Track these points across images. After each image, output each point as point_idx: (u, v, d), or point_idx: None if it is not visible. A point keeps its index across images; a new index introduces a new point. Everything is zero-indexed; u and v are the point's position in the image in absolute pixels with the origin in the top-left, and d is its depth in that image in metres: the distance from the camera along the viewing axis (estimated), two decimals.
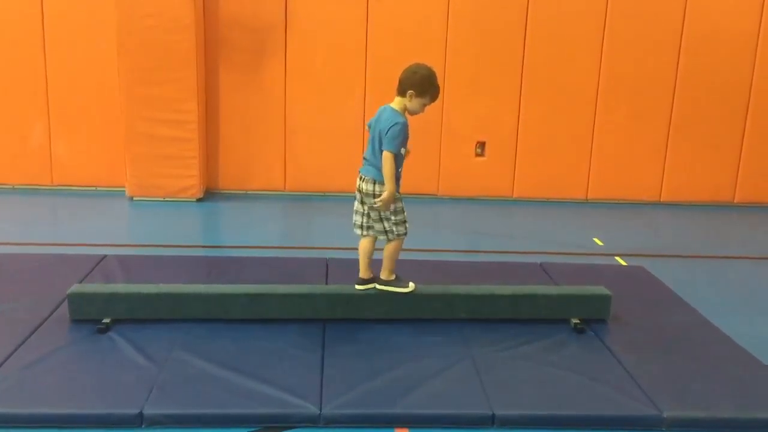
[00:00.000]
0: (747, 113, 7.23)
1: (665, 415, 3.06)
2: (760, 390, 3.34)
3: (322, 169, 7.14)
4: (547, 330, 3.86)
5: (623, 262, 5.37)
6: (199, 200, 6.77)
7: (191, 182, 6.69)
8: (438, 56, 6.91)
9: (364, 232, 3.80)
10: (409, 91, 3.60)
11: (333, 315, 3.85)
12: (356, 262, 4.80)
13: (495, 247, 5.76)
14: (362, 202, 3.74)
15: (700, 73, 7.08)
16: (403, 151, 3.62)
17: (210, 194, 7.03)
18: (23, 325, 3.63)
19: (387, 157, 3.54)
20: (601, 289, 4.06)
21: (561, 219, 6.81)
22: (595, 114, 7.14)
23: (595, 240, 6.02)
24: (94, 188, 7.02)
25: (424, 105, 3.67)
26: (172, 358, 3.36)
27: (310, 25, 6.84)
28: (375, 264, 3.88)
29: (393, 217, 3.68)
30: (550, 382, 3.33)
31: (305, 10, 6.80)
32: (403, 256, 5.19)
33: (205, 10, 6.69)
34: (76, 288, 3.78)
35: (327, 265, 4.75)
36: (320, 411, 2.98)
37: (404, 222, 3.73)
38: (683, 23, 6.98)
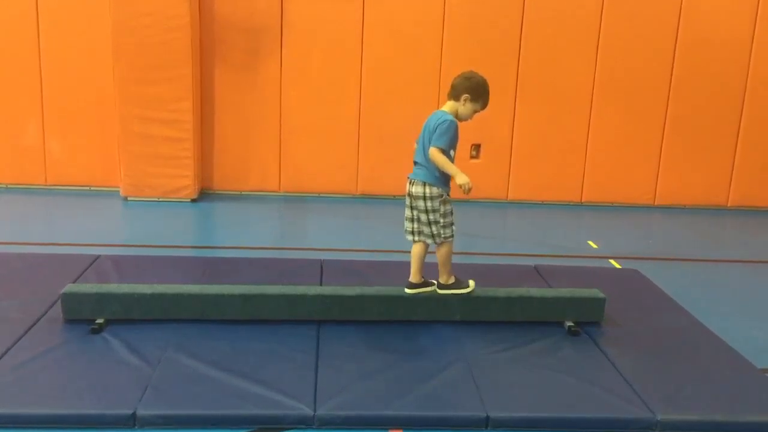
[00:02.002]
0: (741, 117, 7.26)
1: (659, 417, 3.07)
2: (752, 393, 3.35)
3: (317, 170, 7.13)
4: (542, 332, 3.87)
5: (617, 265, 5.38)
6: (193, 201, 6.75)
7: (186, 182, 6.68)
8: (433, 58, 6.93)
9: (416, 238, 3.79)
10: (464, 95, 3.65)
11: (327, 316, 3.85)
12: (350, 263, 4.83)
13: (489, 249, 5.76)
14: (412, 207, 3.74)
15: (694, 77, 7.11)
16: (452, 152, 3.64)
17: (205, 195, 7.02)
18: (16, 325, 3.61)
19: (435, 152, 3.56)
20: (595, 292, 4.07)
21: (555, 221, 6.82)
22: (589, 117, 7.16)
23: (590, 243, 6.03)
24: (88, 188, 7.00)
25: (475, 111, 3.72)
26: (165, 359, 3.35)
27: (306, 26, 6.84)
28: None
29: (442, 220, 3.69)
30: (544, 385, 3.33)
31: (301, 10, 6.79)
32: (398, 258, 5.20)
33: (200, 10, 6.68)
34: (69, 288, 3.76)
35: (321, 266, 4.74)
36: (314, 412, 2.98)
37: (452, 225, 3.73)
38: (677, 28, 7.01)
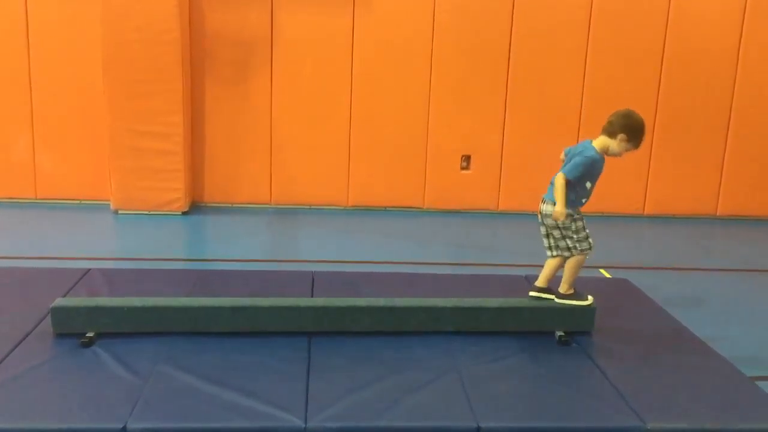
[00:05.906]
0: (728, 127, 7.32)
1: (649, 426, 3.08)
2: (742, 401, 3.37)
3: (308, 182, 7.15)
4: (532, 342, 3.87)
5: (607, 275, 5.41)
6: (184, 213, 6.75)
7: (176, 195, 6.68)
8: (423, 70, 6.97)
9: (554, 253, 3.90)
10: (621, 134, 3.69)
11: (318, 328, 3.85)
12: (342, 275, 4.84)
13: (480, 259, 5.78)
14: (544, 224, 3.87)
15: (682, 87, 7.17)
16: (588, 185, 3.76)
17: (195, 207, 7.01)
18: (5, 340, 3.59)
19: (559, 178, 3.71)
20: None
21: None
22: (579, 128, 7.20)
23: None
24: (78, 201, 6.99)
25: (627, 150, 3.77)
26: (156, 372, 3.34)
27: (297, 38, 6.87)
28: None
29: (575, 236, 3.81)
30: (535, 395, 3.34)
31: (291, 23, 6.83)
32: (390, 268, 5.21)
33: (191, 23, 6.70)
34: (59, 302, 3.75)
35: (313, 277, 4.74)
36: (305, 424, 2.97)
37: (587, 239, 3.84)
38: (665, 39, 7.08)
